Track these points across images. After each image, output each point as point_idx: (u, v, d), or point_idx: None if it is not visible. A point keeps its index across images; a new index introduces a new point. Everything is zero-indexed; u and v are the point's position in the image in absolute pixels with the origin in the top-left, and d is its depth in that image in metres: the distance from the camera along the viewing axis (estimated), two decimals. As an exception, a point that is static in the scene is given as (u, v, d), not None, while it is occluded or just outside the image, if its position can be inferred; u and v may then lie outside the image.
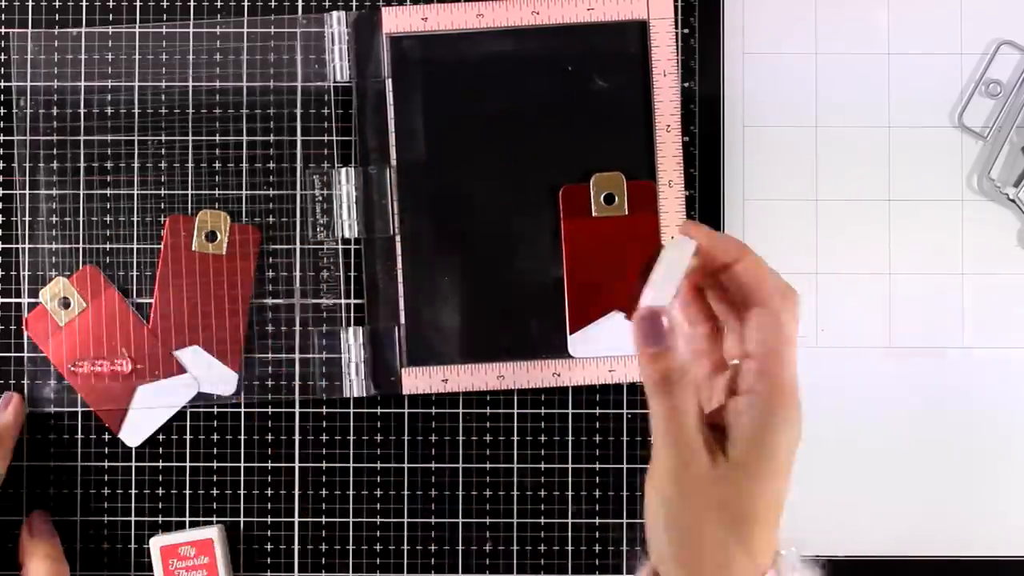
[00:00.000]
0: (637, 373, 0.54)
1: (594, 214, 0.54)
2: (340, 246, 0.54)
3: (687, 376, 0.40)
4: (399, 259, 0.54)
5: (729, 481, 0.40)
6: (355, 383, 0.54)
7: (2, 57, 0.55)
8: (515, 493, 0.55)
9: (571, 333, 0.54)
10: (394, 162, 0.54)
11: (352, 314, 0.54)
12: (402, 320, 0.54)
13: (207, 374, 0.54)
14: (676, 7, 0.54)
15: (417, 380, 0.54)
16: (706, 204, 0.54)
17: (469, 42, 0.54)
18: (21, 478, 0.54)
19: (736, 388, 0.42)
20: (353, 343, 0.54)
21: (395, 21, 0.54)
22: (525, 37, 0.54)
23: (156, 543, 0.53)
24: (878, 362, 0.54)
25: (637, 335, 0.41)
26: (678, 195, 0.54)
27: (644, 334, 0.40)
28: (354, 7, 0.54)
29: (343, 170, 0.54)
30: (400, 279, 0.54)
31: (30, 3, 0.55)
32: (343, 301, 0.54)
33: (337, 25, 0.54)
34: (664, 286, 0.41)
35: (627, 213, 0.54)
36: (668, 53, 0.54)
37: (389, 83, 0.54)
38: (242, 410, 0.55)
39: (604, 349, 0.53)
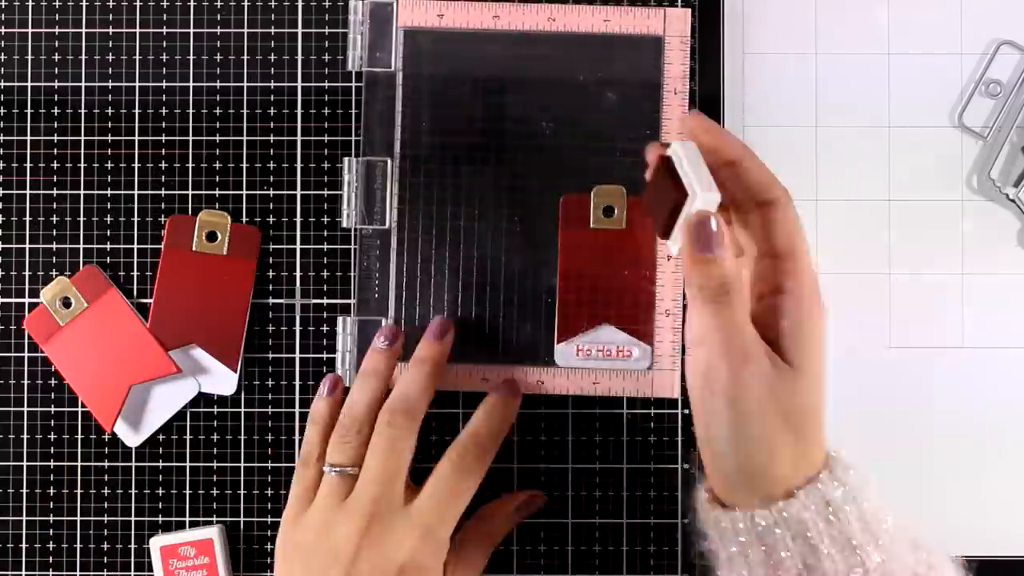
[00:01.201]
0: (619, 387, 0.53)
1: (592, 225, 0.54)
2: (340, 233, 0.54)
3: (738, 281, 0.40)
4: (393, 252, 0.54)
5: (790, 382, 0.40)
6: (340, 374, 0.54)
7: (2, 57, 0.55)
8: (515, 493, 0.55)
9: (559, 342, 0.53)
10: (397, 155, 0.54)
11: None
12: (391, 314, 0.54)
13: (207, 374, 0.54)
14: (694, 27, 0.54)
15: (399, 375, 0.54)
16: (706, 204, 0.54)
17: (483, 42, 0.54)
18: (21, 478, 0.55)
19: (762, 288, 0.41)
20: (341, 333, 0.54)
21: (411, 15, 0.54)
22: (539, 43, 0.54)
23: (156, 543, 0.54)
24: (878, 362, 0.54)
25: (690, 242, 0.39)
26: None
27: (698, 241, 0.39)
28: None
29: (345, 159, 0.54)
30: (392, 273, 0.54)
31: (30, 3, 0.55)
32: (339, 302, 0.55)
33: (354, 15, 0.54)
34: (707, 188, 0.39)
35: (625, 227, 0.54)
36: (680, 71, 0.54)
37: (399, 76, 0.54)
38: (242, 410, 0.55)
39: (591, 361, 0.53)
